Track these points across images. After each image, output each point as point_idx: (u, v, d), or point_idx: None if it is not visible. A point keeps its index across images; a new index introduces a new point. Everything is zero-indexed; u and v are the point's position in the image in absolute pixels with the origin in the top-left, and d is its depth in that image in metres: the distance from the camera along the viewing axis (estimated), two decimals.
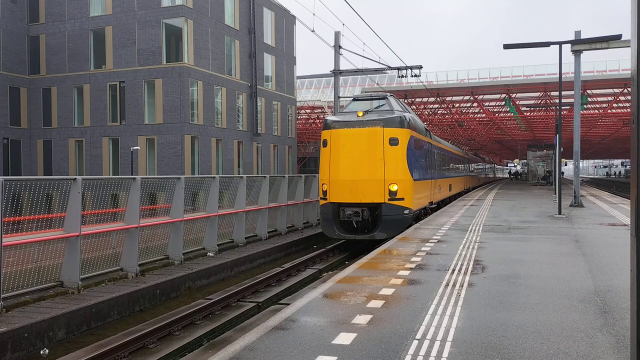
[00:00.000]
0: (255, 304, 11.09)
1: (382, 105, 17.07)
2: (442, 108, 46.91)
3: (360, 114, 16.15)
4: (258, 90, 39.00)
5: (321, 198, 16.68)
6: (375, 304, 6.92)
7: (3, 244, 8.69)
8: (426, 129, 20.60)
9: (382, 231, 15.52)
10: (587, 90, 37.96)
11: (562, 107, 24.19)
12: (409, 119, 16.78)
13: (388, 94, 18.12)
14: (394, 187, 15.56)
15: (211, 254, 14.55)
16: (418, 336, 5.60)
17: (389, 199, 15.54)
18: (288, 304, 8.42)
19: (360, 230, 15.93)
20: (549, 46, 18.91)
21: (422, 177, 18.23)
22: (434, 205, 21.07)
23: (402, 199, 15.70)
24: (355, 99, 18.36)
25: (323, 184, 16.42)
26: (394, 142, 15.71)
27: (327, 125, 16.51)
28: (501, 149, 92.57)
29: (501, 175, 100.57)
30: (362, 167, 15.70)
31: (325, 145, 16.45)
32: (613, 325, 5.91)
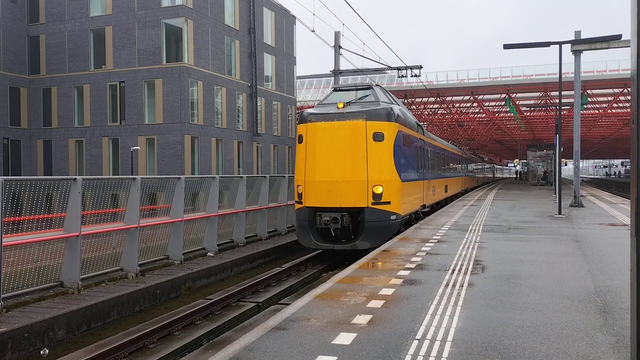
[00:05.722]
0: (255, 304, 11.08)
1: (367, 95, 15.06)
2: (442, 108, 46.97)
3: (341, 105, 14.12)
4: (258, 90, 39.02)
5: (296, 202, 14.56)
6: (375, 304, 6.91)
7: (3, 244, 8.69)
8: (418, 124, 18.56)
9: (364, 240, 13.57)
10: (587, 90, 38.01)
11: (562, 107, 24.19)
12: (397, 112, 14.69)
13: (374, 84, 16.05)
14: (379, 189, 13.61)
15: (211, 254, 14.54)
16: (418, 336, 5.60)
17: (372, 203, 13.58)
18: (288, 304, 8.42)
19: (340, 238, 14.02)
20: (549, 46, 18.91)
21: (413, 178, 16.18)
22: (427, 209, 19.10)
23: (388, 202, 13.77)
24: (336, 89, 16.06)
25: (298, 185, 14.33)
26: (378, 137, 13.69)
27: (303, 119, 14.36)
28: (501, 149, 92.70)
29: (500, 175, 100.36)
30: (342, 167, 13.70)
31: (300, 141, 14.33)
32: (613, 325, 5.91)
